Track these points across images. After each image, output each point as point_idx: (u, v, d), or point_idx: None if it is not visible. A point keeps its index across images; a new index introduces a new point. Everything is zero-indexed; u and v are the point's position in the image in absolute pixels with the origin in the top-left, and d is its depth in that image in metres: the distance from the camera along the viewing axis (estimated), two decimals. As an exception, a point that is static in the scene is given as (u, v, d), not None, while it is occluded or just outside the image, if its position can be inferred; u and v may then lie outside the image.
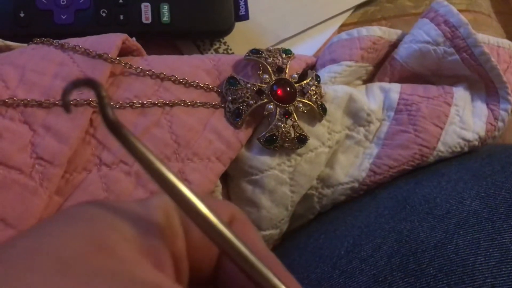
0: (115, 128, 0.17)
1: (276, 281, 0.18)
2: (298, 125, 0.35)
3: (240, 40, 0.44)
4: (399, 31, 0.41)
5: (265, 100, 0.35)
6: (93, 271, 0.15)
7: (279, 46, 0.40)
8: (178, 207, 0.18)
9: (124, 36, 0.34)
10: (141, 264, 0.17)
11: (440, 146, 0.38)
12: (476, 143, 0.39)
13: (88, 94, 0.31)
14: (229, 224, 0.18)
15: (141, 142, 0.17)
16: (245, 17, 0.41)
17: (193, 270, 0.20)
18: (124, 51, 0.35)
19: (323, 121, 0.37)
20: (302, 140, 0.35)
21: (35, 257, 0.15)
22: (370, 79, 0.42)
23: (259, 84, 0.35)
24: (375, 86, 0.40)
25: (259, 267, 0.18)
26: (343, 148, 0.38)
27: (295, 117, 0.35)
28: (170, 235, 0.18)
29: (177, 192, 0.17)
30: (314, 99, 0.36)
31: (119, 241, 0.17)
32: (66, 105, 0.17)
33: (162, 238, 0.18)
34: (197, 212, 0.17)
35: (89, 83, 0.17)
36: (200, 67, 0.35)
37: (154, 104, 0.33)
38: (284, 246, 0.38)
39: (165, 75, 0.34)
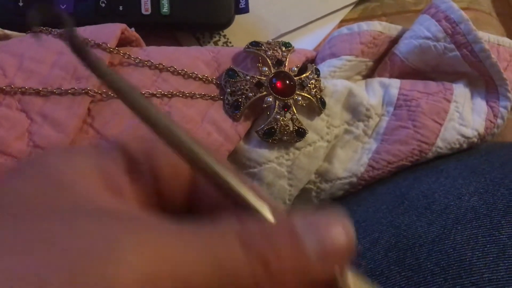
0: (80, 50, 0.17)
1: (245, 190, 0.18)
2: (297, 119, 0.35)
3: (240, 33, 0.44)
4: (399, 27, 0.41)
5: (264, 93, 0.34)
6: (53, 207, 0.15)
7: (279, 40, 0.40)
8: (146, 125, 0.18)
9: (123, 26, 0.34)
10: (102, 195, 0.17)
11: (439, 142, 0.38)
12: (475, 140, 0.39)
13: (86, 83, 0.31)
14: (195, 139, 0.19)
15: (105, 64, 0.17)
16: (245, 10, 0.41)
17: (166, 199, 0.20)
18: (123, 42, 0.35)
19: (322, 115, 0.36)
20: (300, 133, 0.35)
21: None
22: (370, 74, 0.42)
23: (259, 77, 0.35)
24: (375, 81, 0.40)
25: (226, 176, 0.18)
26: (342, 143, 0.38)
27: (294, 110, 0.35)
28: (129, 162, 0.19)
29: (144, 110, 0.17)
30: (313, 92, 0.35)
31: (77, 177, 0.17)
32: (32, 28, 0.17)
33: (120, 167, 0.18)
34: (164, 127, 0.17)
35: (51, 9, 0.17)
36: (199, 58, 0.35)
37: (153, 95, 0.33)
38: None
39: (164, 66, 0.34)
